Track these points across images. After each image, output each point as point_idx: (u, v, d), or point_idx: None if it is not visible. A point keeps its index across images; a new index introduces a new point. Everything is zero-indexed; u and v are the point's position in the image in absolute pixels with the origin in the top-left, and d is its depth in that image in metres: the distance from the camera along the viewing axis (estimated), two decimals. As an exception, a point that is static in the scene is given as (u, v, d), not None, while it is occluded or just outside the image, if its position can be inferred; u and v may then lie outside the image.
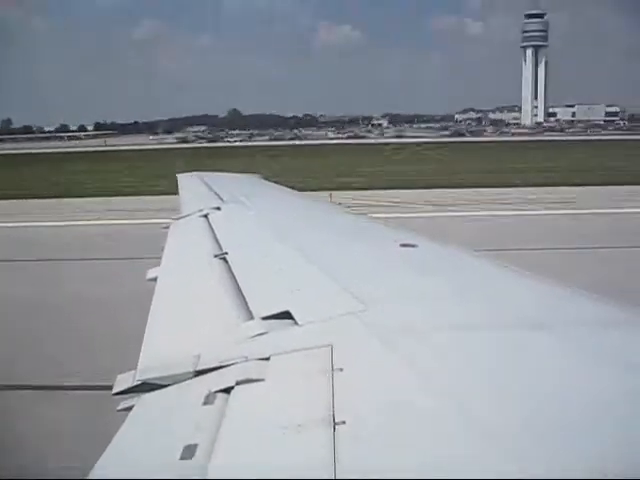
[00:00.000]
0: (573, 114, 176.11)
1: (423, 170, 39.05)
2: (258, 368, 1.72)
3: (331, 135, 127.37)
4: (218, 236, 3.78)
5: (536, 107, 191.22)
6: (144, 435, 1.60)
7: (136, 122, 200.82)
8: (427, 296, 2.33)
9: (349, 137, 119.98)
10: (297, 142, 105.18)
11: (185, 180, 7.48)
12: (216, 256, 3.24)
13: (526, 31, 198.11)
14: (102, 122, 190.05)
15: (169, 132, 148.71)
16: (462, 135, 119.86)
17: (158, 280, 3.09)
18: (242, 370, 1.73)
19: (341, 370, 1.62)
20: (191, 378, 1.83)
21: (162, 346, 2.22)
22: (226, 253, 3.24)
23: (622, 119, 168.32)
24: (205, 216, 4.58)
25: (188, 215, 4.88)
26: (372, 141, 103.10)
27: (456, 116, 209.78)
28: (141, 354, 2.11)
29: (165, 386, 1.84)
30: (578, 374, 1.57)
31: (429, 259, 3.04)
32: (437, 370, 1.61)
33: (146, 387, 1.87)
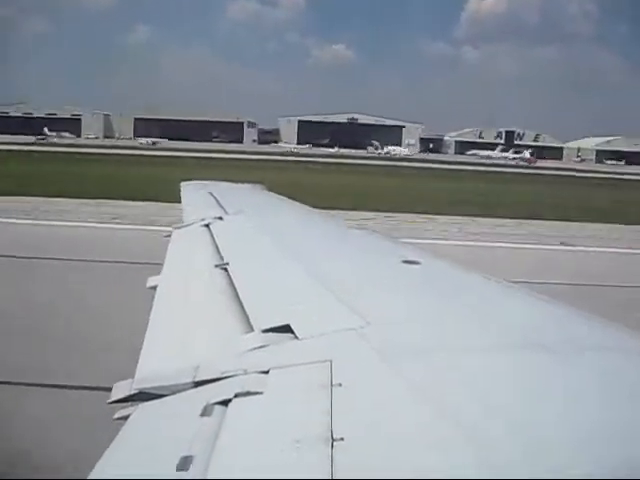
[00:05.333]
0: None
1: None
2: (257, 381, 1.71)
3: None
4: (220, 246, 3.77)
5: None
6: (140, 445, 1.59)
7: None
8: (429, 314, 2.32)
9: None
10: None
11: (188, 189, 7.48)
12: (217, 266, 3.23)
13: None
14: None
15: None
16: None
17: (158, 289, 3.08)
18: (241, 382, 1.71)
19: (340, 385, 1.61)
20: (189, 389, 1.82)
21: (160, 355, 2.20)
22: (227, 264, 3.23)
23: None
24: (207, 226, 4.58)
25: (190, 224, 4.87)
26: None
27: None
28: (139, 363, 2.10)
29: (162, 396, 1.83)
30: (582, 398, 1.55)
31: (432, 276, 3.03)
32: (437, 389, 1.60)
33: (143, 396, 1.86)
